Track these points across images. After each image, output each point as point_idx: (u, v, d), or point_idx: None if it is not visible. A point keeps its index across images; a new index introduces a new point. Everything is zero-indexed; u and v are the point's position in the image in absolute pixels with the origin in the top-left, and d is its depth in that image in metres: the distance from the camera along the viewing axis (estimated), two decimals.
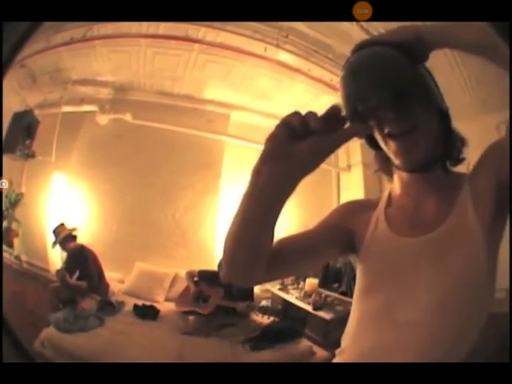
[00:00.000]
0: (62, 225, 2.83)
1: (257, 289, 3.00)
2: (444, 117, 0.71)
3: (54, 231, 2.80)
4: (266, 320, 2.89)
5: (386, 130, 0.68)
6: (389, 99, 0.65)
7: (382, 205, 0.80)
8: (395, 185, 0.79)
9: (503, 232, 0.69)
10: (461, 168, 0.76)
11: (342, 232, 0.79)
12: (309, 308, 2.82)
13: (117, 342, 2.33)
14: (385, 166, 0.78)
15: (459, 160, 0.75)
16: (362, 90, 0.66)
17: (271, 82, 2.80)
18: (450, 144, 0.72)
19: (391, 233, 0.74)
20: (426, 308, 0.65)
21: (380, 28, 1.82)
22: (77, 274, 2.64)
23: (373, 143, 0.74)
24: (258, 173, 0.52)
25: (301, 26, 2.24)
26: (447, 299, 0.65)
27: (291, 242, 0.74)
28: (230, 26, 2.39)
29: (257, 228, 0.58)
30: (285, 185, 0.53)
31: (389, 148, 0.69)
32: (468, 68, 1.85)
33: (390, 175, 0.79)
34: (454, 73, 1.84)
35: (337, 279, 2.91)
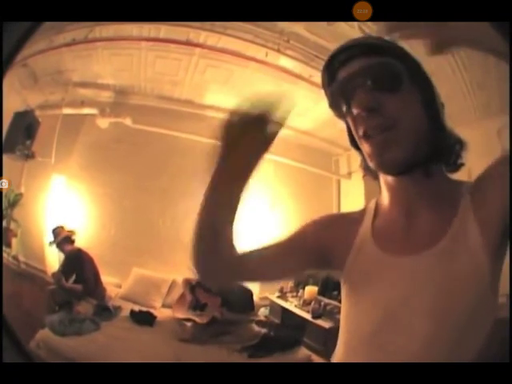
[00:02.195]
0: (62, 227, 2.83)
1: (255, 297, 2.97)
2: (433, 114, 0.65)
3: (54, 231, 2.81)
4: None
5: (360, 132, 0.63)
6: (362, 93, 0.62)
7: (367, 218, 0.72)
8: (382, 193, 0.71)
9: (507, 246, 0.61)
10: (461, 175, 0.69)
11: (313, 249, 0.72)
12: (308, 316, 2.79)
13: (112, 347, 2.31)
14: (371, 170, 0.71)
15: (457, 165, 0.67)
16: (340, 84, 0.65)
17: (272, 87, 2.79)
18: (439, 144, 0.65)
19: (379, 250, 0.66)
20: (418, 335, 0.58)
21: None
22: (73, 277, 2.63)
23: (358, 147, 0.69)
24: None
25: (302, 30, 2.25)
26: (443, 325, 0.57)
27: (258, 254, 0.75)
28: (231, 30, 2.39)
29: (217, 207, 0.66)
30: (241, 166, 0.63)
31: (364, 150, 0.65)
32: (469, 73, 1.86)
33: (377, 179, 0.72)
34: (455, 78, 1.83)
35: (337, 287, 2.88)
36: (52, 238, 2.80)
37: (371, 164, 0.65)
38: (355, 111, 0.63)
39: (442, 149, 0.65)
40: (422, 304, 0.59)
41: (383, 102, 0.61)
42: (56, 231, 2.81)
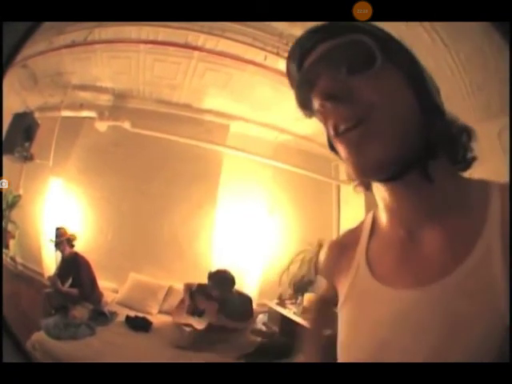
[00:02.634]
0: (65, 228, 2.84)
1: (254, 303, 2.95)
2: (422, 95, 0.51)
3: (57, 230, 2.81)
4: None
5: (331, 129, 0.51)
6: (325, 79, 0.49)
7: (363, 239, 0.60)
8: (379, 205, 0.58)
9: None
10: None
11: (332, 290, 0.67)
12: (307, 324, 2.76)
13: (107, 352, 2.29)
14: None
15: (468, 161, 0.54)
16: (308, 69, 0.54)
17: (271, 91, 2.78)
18: (439, 134, 0.51)
19: (374, 280, 0.55)
20: None
21: None
22: (69, 281, 2.62)
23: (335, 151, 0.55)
24: None
25: (301, 33, 2.26)
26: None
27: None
28: (230, 33, 2.39)
29: None
30: None
31: (340, 152, 0.51)
32: (469, 74, 1.85)
33: (369, 189, 0.59)
34: (455, 79, 1.82)
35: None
36: (54, 237, 2.81)
37: (349, 169, 0.51)
38: (319, 102, 0.51)
39: (444, 140, 0.52)
40: (421, 348, 0.48)
41: (353, 86, 0.48)
42: (59, 231, 2.81)
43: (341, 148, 0.51)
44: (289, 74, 0.58)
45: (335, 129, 0.50)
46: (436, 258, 0.51)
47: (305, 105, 0.56)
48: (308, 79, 0.53)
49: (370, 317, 0.55)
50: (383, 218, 0.58)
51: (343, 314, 0.60)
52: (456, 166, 0.54)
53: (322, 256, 0.69)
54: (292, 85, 0.58)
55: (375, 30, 0.54)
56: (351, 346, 0.57)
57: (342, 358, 0.59)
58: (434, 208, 0.52)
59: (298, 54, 0.56)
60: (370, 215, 0.62)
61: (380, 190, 0.55)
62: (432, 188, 0.51)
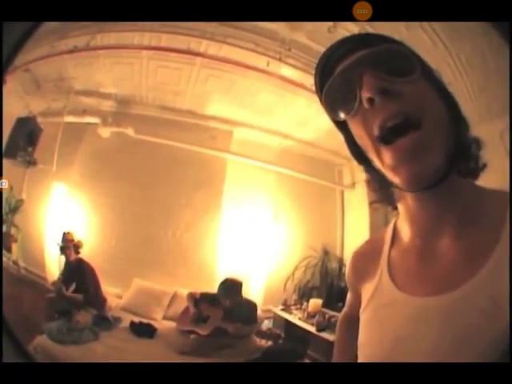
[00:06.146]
0: (72, 234, 2.85)
1: (258, 309, 2.94)
2: (453, 108, 0.52)
3: (64, 234, 2.81)
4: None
5: (376, 129, 0.49)
6: (371, 76, 0.49)
7: (385, 248, 0.62)
8: (400, 215, 0.59)
9: None
10: None
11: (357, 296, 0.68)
12: (312, 329, 2.74)
13: (110, 357, 2.28)
14: (384, 191, 0.58)
15: (478, 168, 0.54)
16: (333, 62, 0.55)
17: (274, 97, 2.80)
18: (464, 144, 0.52)
19: (393, 286, 0.57)
20: None
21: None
22: (73, 286, 2.62)
23: (365, 162, 0.56)
24: None
25: (303, 38, 2.26)
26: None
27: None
28: (232, 38, 2.39)
29: None
30: None
31: (383, 161, 0.50)
32: (471, 76, 1.85)
33: (393, 204, 0.59)
34: (456, 81, 1.82)
35: (341, 298, 2.83)
36: (61, 241, 2.80)
37: (396, 180, 0.50)
38: (367, 97, 0.48)
39: (463, 151, 0.53)
40: (430, 350, 0.49)
41: (400, 85, 0.48)
42: (66, 236, 2.82)
43: (389, 155, 0.49)
44: (318, 81, 0.59)
45: (381, 126, 0.48)
46: (450, 268, 0.52)
47: (333, 108, 0.56)
48: (348, 79, 0.52)
49: (386, 319, 0.57)
50: (404, 227, 0.60)
51: (364, 316, 0.62)
52: (470, 174, 0.55)
53: (348, 267, 0.72)
54: (319, 91, 0.58)
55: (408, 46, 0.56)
56: (368, 344, 0.59)
57: (360, 356, 0.61)
58: (455, 218, 0.53)
59: (329, 63, 0.56)
60: (392, 224, 0.64)
61: (406, 199, 0.56)
62: (454, 197, 0.52)
